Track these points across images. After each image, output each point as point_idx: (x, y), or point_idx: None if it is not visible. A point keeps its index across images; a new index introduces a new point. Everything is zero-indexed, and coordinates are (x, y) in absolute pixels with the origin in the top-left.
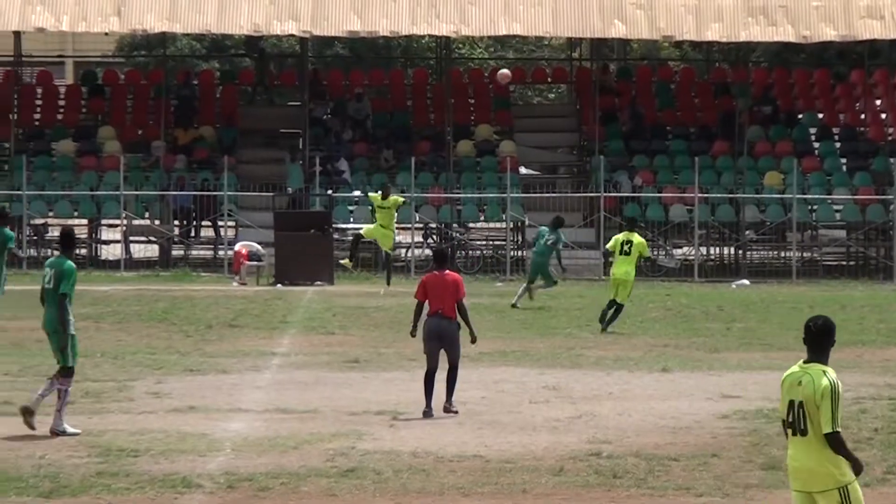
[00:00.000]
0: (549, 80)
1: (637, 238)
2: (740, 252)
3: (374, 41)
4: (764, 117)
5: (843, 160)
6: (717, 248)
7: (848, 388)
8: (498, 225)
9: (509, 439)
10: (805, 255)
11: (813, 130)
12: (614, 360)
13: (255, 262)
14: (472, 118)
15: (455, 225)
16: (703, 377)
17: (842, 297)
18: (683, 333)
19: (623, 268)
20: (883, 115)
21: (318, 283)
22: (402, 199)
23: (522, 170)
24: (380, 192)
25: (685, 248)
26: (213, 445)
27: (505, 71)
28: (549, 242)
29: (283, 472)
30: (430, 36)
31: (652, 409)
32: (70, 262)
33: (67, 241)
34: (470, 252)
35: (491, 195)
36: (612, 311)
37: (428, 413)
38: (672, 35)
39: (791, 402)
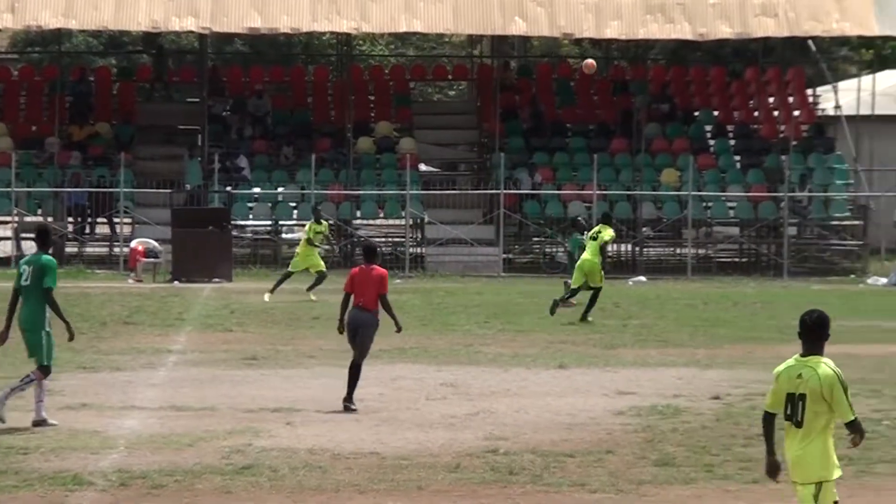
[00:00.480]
0: (450, 77)
1: (606, 230)
2: (637, 249)
3: (275, 38)
4: (661, 115)
5: (737, 157)
6: (615, 245)
7: (739, 385)
8: (397, 222)
9: (406, 436)
10: (700, 251)
11: (708, 128)
12: (511, 357)
13: (152, 259)
14: (373, 115)
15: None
16: (600, 374)
17: (734, 293)
18: (580, 330)
19: (589, 255)
20: (775, 113)
21: (217, 280)
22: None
23: (422, 167)
24: (313, 220)
25: None
26: (106, 443)
27: (590, 61)
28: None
29: (178, 470)
30: (331, 33)
31: (548, 405)
32: (48, 257)
33: (44, 236)
34: None
35: (391, 192)
36: (589, 298)
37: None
38: (572, 33)
39: (790, 395)
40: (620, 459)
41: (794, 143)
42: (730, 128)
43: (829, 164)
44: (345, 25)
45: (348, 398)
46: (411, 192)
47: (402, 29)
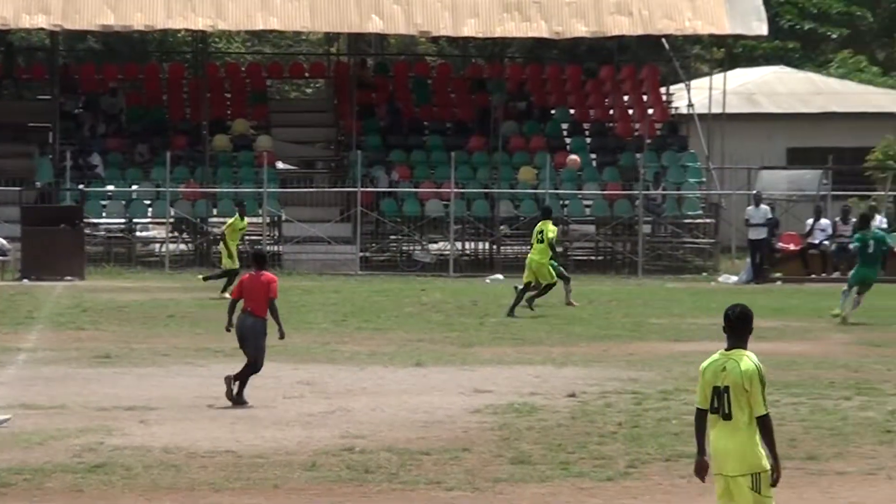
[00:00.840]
0: (307, 74)
1: (549, 227)
2: (494, 247)
3: (129, 35)
4: (518, 112)
5: (593, 155)
6: (473, 243)
7: (594, 383)
8: (254, 220)
9: (262, 434)
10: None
11: (565, 126)
12: (369, 355)
13: (0, 258)
14: (229, 113)
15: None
16: (456, 372)
17: (590, 291)
18: (437, 328)
19: (536, 255)
20: (630, 111)
21: (68, 278)
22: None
23: (280, 164)
24: (237, 216)
25: (441, 243)
26: None
27: (574, 156)
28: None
29: (27, 468)
30: (186, 30)
31: (405, 403)
32: None
33: None
34: None
35: (247, 190)
36: (543, 290)
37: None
38: (429, 31)
39: (716, 389)
40: (477, 457)
41: (649, 141)
42: (586, 126)
43: (683, 162)
44: (200, 23)
45: (239, 394)
46: (268, 189)
47: (259, 27)
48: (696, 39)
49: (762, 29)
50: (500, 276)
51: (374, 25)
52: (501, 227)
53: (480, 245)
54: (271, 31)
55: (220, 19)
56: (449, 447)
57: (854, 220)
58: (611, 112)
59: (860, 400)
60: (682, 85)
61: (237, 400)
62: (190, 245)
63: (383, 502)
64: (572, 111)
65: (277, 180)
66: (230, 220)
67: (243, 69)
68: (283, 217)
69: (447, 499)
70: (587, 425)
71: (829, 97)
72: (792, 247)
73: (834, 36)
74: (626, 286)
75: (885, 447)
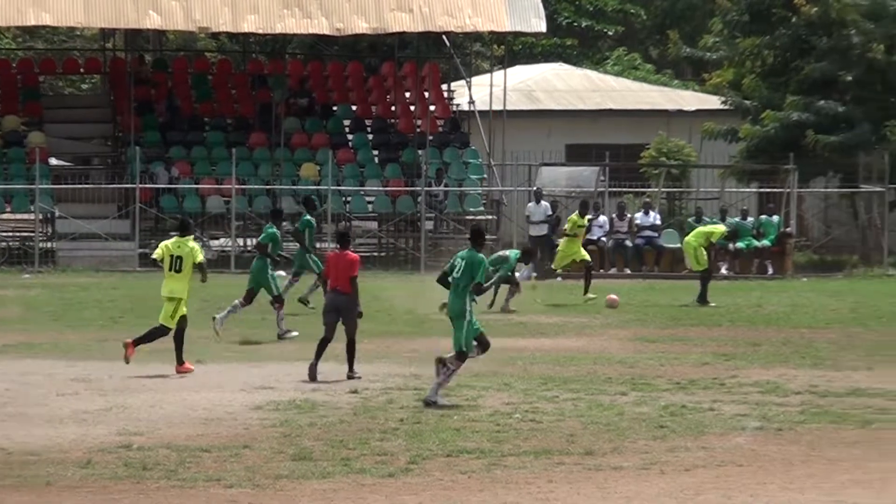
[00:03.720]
0: (82, 70)
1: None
2: None
3: None
4: (300, 109)
5: (376, 152)
6: (254, 240)
7: (376, 379)
8: (26, 216)
9: (34, 432)
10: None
11: (347, 122)
12: (148, 353)
13: None
14: None
15: None
16: (238, 369)
17: (373, 287)
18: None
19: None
20: (412, 108)
21: None
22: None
23: (53, 161)
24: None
25: (222, 240)
26: None
27: (613, 296)
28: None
29: None
30: None
31: (184, 400)
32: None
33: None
34: None
35: (18, 186)
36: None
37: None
38: (208, 27)
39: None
40: (257, 454)
41: (431, 137)
42: (368, 122)
43: (464, 158)
44: None
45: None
46: (41, 186)
47: (31, 22)
48: (476, 36)
49: (541, 26)
50: (282, 273)
51: (152, 21)
52: (284, 223)
53: None
54: (44, 27)
55: None
56: (229, 444)
57: (629, 215)
58: (393, 109)
59: (635, 395)
60: (463, 82)
61: (350, 376)
62: None
63: (161, 500)
64: (354, 108)
65: (51, 177)
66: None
67: (14, 65)
68: (57, 213)
69: (227, 496)
70: (369, 422)
71: (606, 94)
72: None
73: (610, 33)
74: (409, 283)
75: (659, 442)
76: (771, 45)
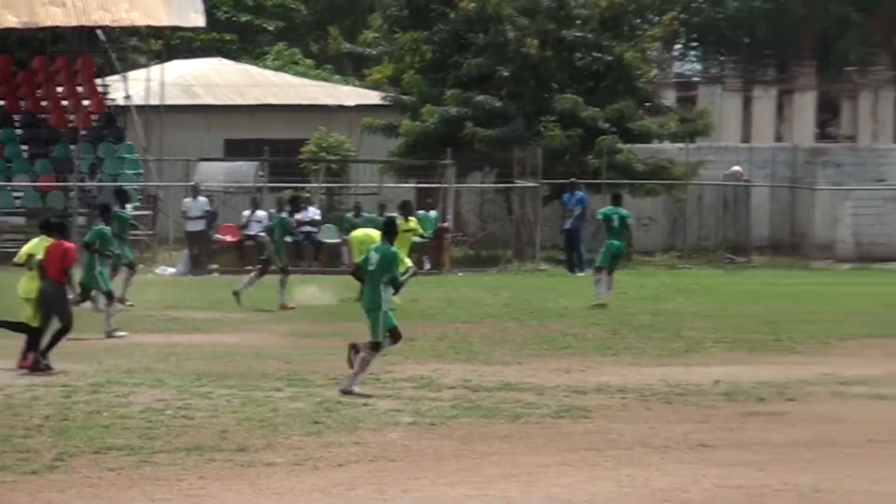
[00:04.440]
0: None
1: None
2: None
3: None
4: None
5: (25, 147)
6: None
7: (21, 376)
8: None
9: None
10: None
11: None
12: None
13: None
14: None
15: None
16: None
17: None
18: None
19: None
20: (65, 102)
21: None
22: None
23: None
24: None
25: None
26: None
27: (736, 168)
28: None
29: None
30: None
31: None
32: None
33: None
34: None
35: None
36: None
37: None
38: None
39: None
40: None
41: (84, 132)
42: (17, 117)
43: (120, 153)
44: None
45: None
46: None
47: None
48: (133, 31)
49: (200, 21)
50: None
51: None
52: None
53: None
54: None
55: None
56: None
57: (288, 208)
58: (43, 103)
59: (291, 391)
60: (119, 76)
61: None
62: None
63: None
64: (2, 102)
65: None
66: None
67: None
68: None
69: None
70: (11, 419)
71: (266, 89)
72: (229, 238)
73: (270, 28)
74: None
75: (313, 437)
76: (430, 41)
